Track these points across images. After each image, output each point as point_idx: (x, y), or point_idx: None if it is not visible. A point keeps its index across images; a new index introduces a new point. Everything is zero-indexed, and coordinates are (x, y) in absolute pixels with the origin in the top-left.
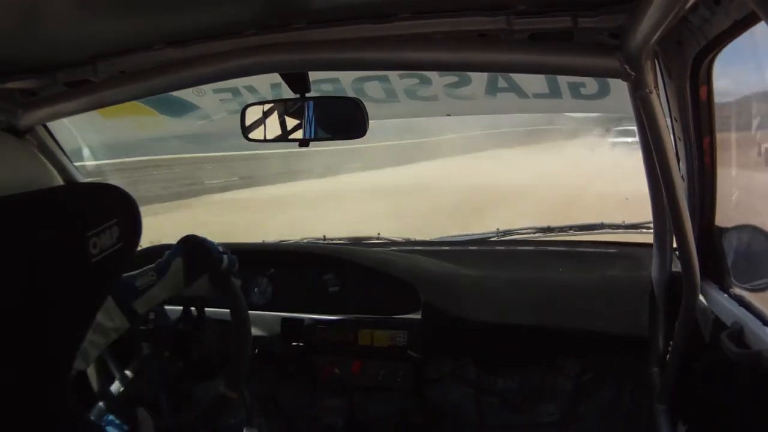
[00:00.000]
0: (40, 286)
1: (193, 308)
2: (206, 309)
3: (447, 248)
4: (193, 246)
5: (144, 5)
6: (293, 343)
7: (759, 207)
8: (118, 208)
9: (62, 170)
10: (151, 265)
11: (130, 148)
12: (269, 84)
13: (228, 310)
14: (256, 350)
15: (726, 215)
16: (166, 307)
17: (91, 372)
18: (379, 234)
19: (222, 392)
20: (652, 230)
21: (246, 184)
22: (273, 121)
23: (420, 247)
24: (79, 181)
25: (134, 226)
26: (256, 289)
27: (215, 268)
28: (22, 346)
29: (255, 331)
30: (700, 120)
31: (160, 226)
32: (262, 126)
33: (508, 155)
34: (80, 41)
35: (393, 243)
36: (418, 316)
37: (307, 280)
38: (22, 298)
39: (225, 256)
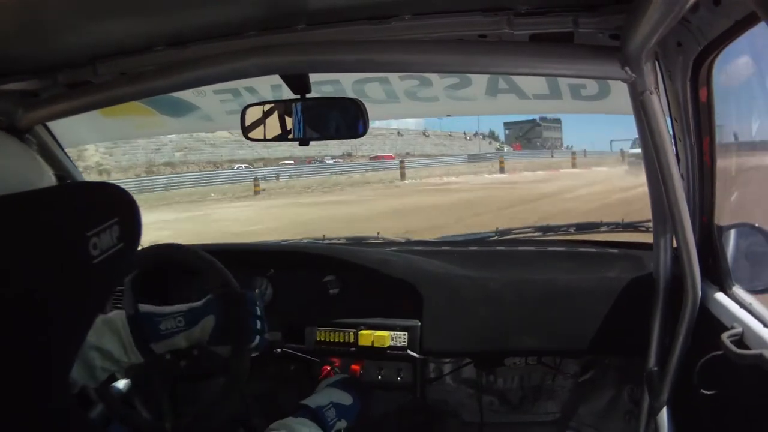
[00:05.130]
0: (40, 287)
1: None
2: None
3: (447, 248)
4: (234, 308)
5: (144, 7)
6: (293, 344)
7: None
8: (118, 207)
9: (62, 169)
10: (182, 308)
11: None
12: (269, 85)
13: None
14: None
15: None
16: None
17: None
18: (378, 234)
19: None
20: (652, 230)
21: None
22: (273, 121)
23: (420, 247)
24: (78, 179)
25: (135, 226)
26: (256, 290)
27: (242, 345)
28: (21, 348)
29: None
30: (700, 121)
31: None
32: (263, 126)
33: None
34: (81, 43)
35: (393, 243)
36: (418, 316)
37: (308, 282)
38: (20, 299)
39: (257, 337)
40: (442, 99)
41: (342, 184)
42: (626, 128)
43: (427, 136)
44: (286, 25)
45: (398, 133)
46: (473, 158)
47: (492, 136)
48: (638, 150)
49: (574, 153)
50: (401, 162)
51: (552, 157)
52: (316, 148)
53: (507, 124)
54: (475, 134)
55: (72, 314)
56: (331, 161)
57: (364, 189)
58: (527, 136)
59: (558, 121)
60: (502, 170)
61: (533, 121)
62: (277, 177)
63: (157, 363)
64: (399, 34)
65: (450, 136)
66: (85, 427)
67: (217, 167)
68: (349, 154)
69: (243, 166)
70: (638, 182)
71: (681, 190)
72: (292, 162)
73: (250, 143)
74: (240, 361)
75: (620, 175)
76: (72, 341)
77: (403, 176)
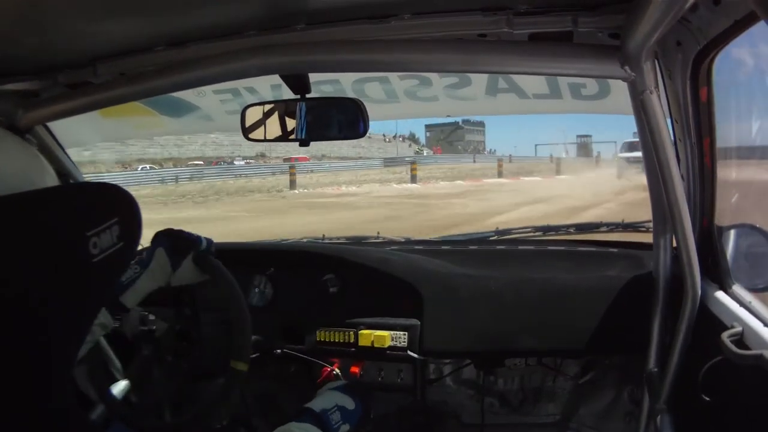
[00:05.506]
0: (39, 287)
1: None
2: (207, 310)
3: (447, 247)
4: (169, 234)
5: (144, 7)
6: (293, 344)
7: None
8: (118, 206)
9: (62, 169)
10: (133, 260)
11: None
12: (269, 85)
13: (222, 307)
14: (257, 352)
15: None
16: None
17: (92, 375)
18: (378, 233)
19: (231, 366)
20: (651, 230)
21: None
22: (273, 121)
23: (420, 247)
24: (79, 180)
25: (135, 225)
26: (256, 289)
27: (196, 248)
28: (21, 348)
29: (255, 332)
30: (700, 121)
31: None
32: (263, 126)
33: None
34: (81, 43)
35: (392, 242)
36: (418, 315)
37: (307, 281)
38: (21, 298)
39: (202, 238)
40: (442, 99)
41: (222, 193)
42: (551, 131)
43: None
44: (285, 24)
45: None
46: (389, 162)
47: (412, 138)
48: (630, 154)
49: (500, 159)
50: (291, 168)
51: (474, 162)
52: (229, 147)
53: (428, 127)
54: (395, 136)
55: (72, 314)
56: (242, 162)
57: (244, 199)
58: (449, 139)
59: (481, 124)
60: (414, 179)
61: (455, 123)
62: (176, 179)
63: (132, 320)
64: (399, 33)
65: (369, 137)
66: (85, 427)
67: (126, 167)
68: (263, 155)
69: (147, 166)
70: (602, 196)
71: (681, 191)
72: (201, 163)
73: (162, 141)
74: (208, 263)
75: (564, 188)
76: (72, 341)
77: (293, 185)
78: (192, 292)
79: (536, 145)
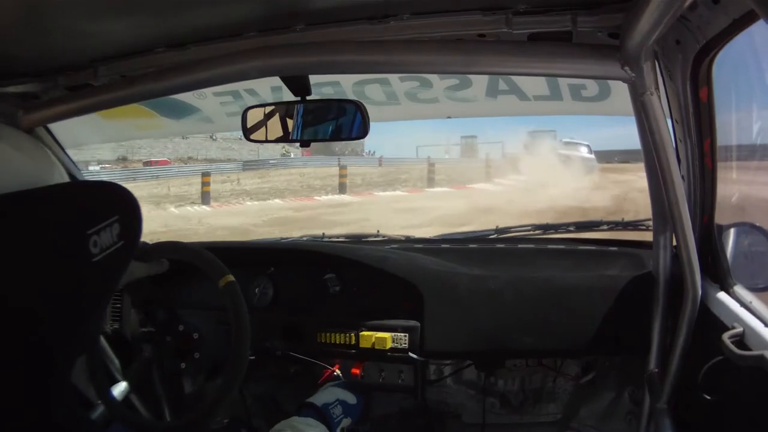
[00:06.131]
0: (41, 286)
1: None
2: (207, 310)
3: (446, 246)
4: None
5: (144, 9)
6: (294, 344)
7: None
8: (118, 205)
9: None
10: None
11: None
12: (270, 87)
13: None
14: (256, 353)
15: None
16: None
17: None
18: (378, 232)
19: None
20: (652, 229)
21: None
22: (274, 123)
23: (420, 245)
24: (79, 179)
25: (135, 224)
26: (256, 289)
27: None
28: (22, 347)
29: (255, 332)
30: (700, 121)
31: None
32: (264, 128)
33: None
34: (81, 45)
35: (393, 241)
36: (418, 314)
37: (308, 280)
38: (21, 297)
39: None
40: (443, 100)
41: None
42: (438, 131)
43: (214, 140)
44: (285, 25)
45: (183, 136)
46: (249, 165)
47: None
48: (572, 152)
49: (343, 167)
50: None
51: (339, 165)
52: (89, 152)
53: None
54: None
55: (71, 313)
56: (97, 167)
57: None
58: None
59: None
60: (205, 199)
61: None
62: None
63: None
64: (398, 33)
65: (240, 139)
66: (85, 427)
67: None
68: (125, 159)
69: None
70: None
71: (682, 191)
72: None
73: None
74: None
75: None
76: (71, 340)
77: None
78: (168, 293)
79: (417, 147)
